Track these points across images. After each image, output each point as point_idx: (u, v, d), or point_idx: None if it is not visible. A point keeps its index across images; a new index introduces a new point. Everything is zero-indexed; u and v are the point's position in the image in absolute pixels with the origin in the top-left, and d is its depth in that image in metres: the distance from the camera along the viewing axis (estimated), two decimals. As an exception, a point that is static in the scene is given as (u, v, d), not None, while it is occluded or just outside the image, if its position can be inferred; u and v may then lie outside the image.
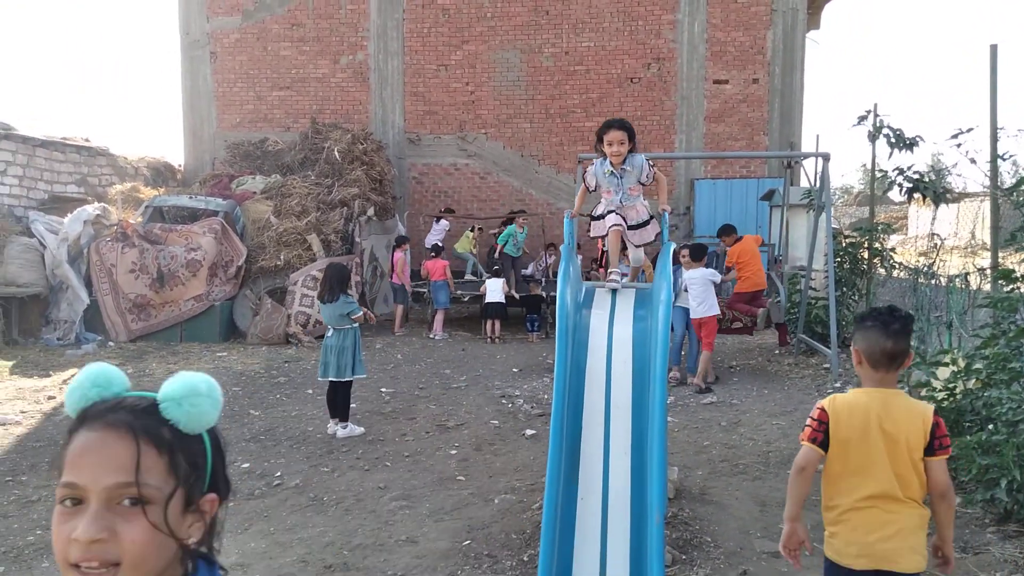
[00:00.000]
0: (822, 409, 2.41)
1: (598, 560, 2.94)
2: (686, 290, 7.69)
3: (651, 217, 4.54)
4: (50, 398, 7.23)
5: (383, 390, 7.63)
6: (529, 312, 11.19)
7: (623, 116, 14.64)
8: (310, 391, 7.59)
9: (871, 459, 2.33)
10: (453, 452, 5.59)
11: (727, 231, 9.02)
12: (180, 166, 15.55)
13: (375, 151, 13.69)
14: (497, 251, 13.19)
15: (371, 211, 12.35)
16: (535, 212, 14.63)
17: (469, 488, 4.84)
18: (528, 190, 15.19)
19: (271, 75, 15.33)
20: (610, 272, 4.30)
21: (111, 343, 10.00)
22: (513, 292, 11.30)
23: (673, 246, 4.30)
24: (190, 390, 1.06)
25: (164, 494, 0.99)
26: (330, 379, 6.04)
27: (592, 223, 4.56)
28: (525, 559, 3.78)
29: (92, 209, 10.84)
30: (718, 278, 7.89)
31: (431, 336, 10.93)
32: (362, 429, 6.13)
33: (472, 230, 14.03)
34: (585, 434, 3.30)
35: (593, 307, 3.98)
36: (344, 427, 6.04)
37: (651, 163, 4.45)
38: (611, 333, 3.72)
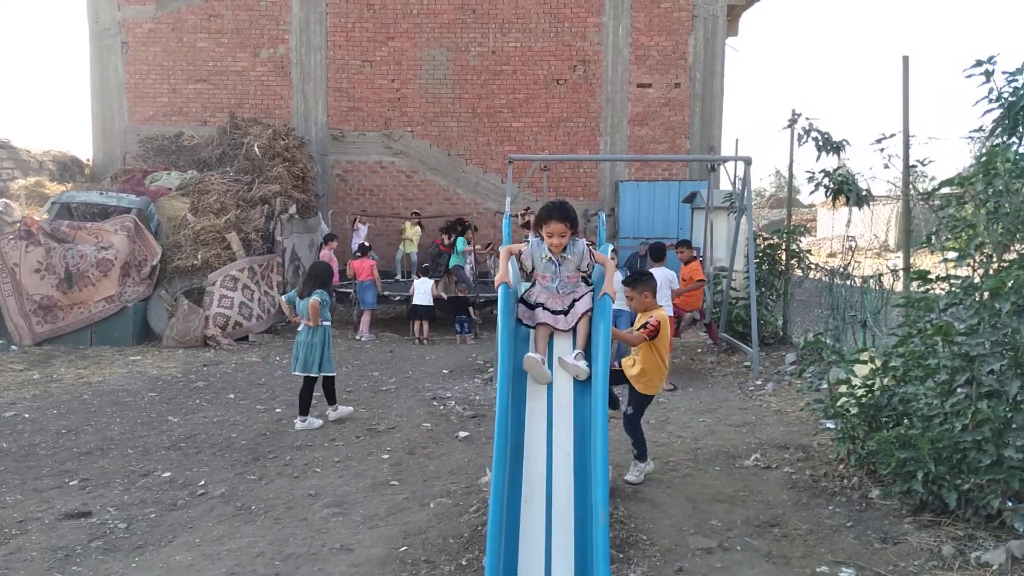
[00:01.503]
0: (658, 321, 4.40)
1: (543, 562, 2.92)
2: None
3: (587, 290, 4.09)
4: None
5: (310, 393, 7.42)
6: (458, 313, 11.12)
7: (549, 117, 14.93)
8: (231, 396, 7.33)
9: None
10: (385, 456, 5.49)
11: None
12: (88, 160, 14.80)
13: (297, 147, 13.36)
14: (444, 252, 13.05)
15: (293, 209, 12.04)
16: (462, 211, 14.57)
17: (403, 493, 4.75)
18: (455, 189, 15.12)
19: (187, 67, 14.76)
20: (530, 356, 3.79)
21: (14, 347, 9.40)
22: (441, 293, 11.22)
23: (611, 247, 4.32)
24: None
25: None
26: (306, 375, 6.24)
27: (520, 306, 4.07)
28: (464, 563, 3.73)
29: (-9, 204, 10.17)
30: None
31: (357, 337, 10.74)
32: (350, 409, 6.61)
33: (412, 221, 13.81)
34: (528, 436, 3.28)
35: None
36: (303, 420, 6.24)
37: (590, 246, 4.07)
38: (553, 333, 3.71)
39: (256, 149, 12.49)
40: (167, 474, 5.09)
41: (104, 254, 9.81)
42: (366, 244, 11.97)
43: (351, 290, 11.50)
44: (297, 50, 14.83)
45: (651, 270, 8.11)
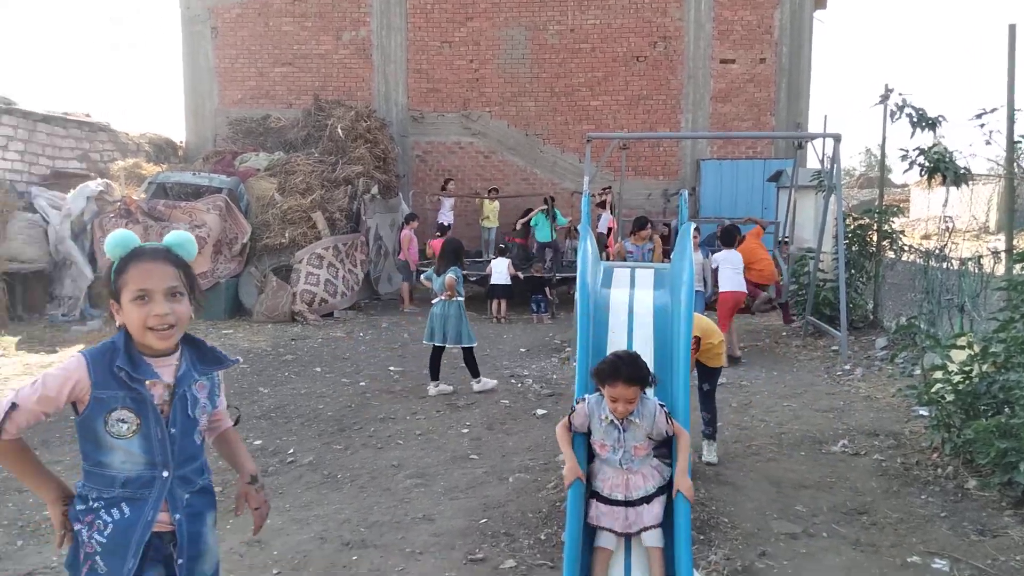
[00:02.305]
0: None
1: (624, 541, 2.92)
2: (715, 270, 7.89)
3: (663, 486, 2.94)
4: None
5: (391, 369, 7.61)
6: (534, 293, 11.15)
7: (628, 95, 14.71)
8: (318, 369, 7.57)
9: None
10: (465, 431, 5.58)
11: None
12: (182, 142, 15.43)
13: (378, 129, 13.60)
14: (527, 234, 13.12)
15: (375, 189, 12.28)
16: (539, 192, 14.56)
17: (483, 467, 4.83)
18: (533, 169, 15.10)
19: (273, 51, 15.18)
20: None
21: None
22: (518, 273, 11.26)
23: (693, 226, 4.24)
24: (183, 239, 1.97)
25: (187, 290, 1.92)
26: (434, 344, 6.59)
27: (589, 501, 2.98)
28: (542, 538, 3.78)
29: (95, 185, 10.75)
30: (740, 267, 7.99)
31: (436, 315, 10.90)
32: (495, 382, 6.80)
33: (489, 198, 13.89)
34: (608, 414, 3.27)
35: (612, 286, 3.95)
36: (478, 382, 6.69)
37: (666, 411, 2.94)
38: (631, 311, 3.69)
39: (339, 131, 12.77)
40: (258, 442, 5.31)
41: (197, 232, 10.24)
42: (445, 224, 12.12)
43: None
44: (378, 32, 15.04)
45: (721, 254, 8.01)
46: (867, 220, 9.20)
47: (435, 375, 6.67)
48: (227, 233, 10.51)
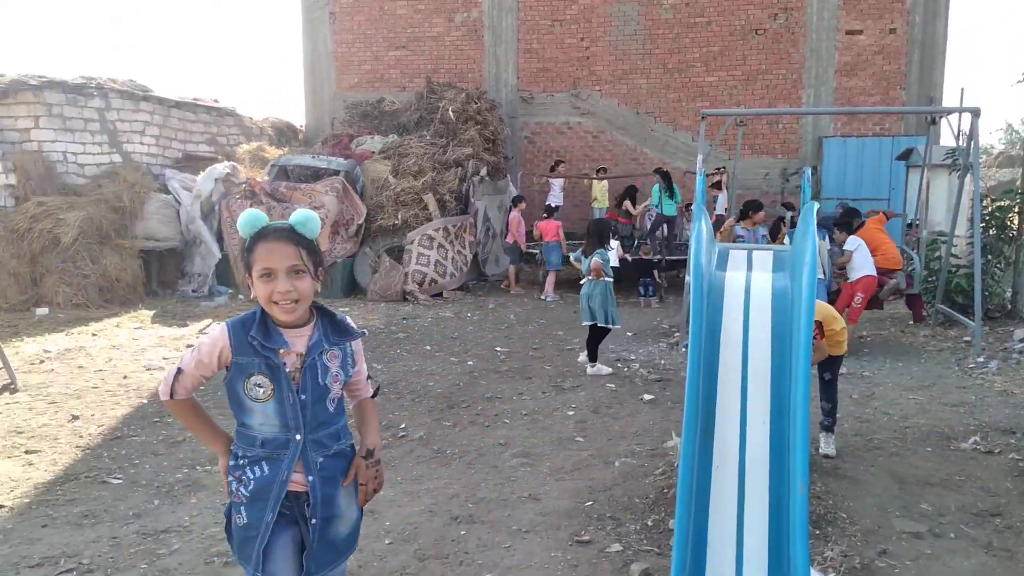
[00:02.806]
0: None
1: (734, 530, 2.84)
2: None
3: None
4: (188, 346, 7.68)
5: (498, 349, 7.70)
6: (642, 276, 10.98)
7: (746, 70, 14.16)
8: (428, 347, 7.75)
9: None
10: (571, 413, 5.58)
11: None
12: (301, 126, 16.07)
13: (488, 110, 13.69)
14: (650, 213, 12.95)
15: (484, 171, 12.39)
16: (649, 171, 14.28)
17: (588, 450, 4.82)
18: (643, 148, 14.83)
19: (387, 35, 15.52)
20: None
21: (241, 296, 10.54)
22: (627, 255, 11.10)
23: (816, 206, 4.02)
24: (305, 217, 2.04)
25: (310, 268, 2.01)
26: (588, 323, 6.69)
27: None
28: (649, 524, 3.73)
29: (222, 167, 11.36)
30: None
31: (542, 297, 10.93)
32: (609, 369, 6.71)
33: (598, 178, 13.78)
34: (720, 399, 3.19)
35: (728, 268, 3.82)
36: (592, 366, 6.68)
37: None
38: (748, 295, 3.56)
39: (450, 113, 12.95)
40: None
41: (316, 213, 10.65)
42: (553, 205, 12.10)
43: (537, 251, 11.70)
44: (489, 13, 15.09)
45: (851, 240, 7.60)
46: (1007, 202, 8.50)
47: (593, 356, 6.72)
48: (344, 214, 10.88)
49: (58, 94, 10.59)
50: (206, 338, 2.08)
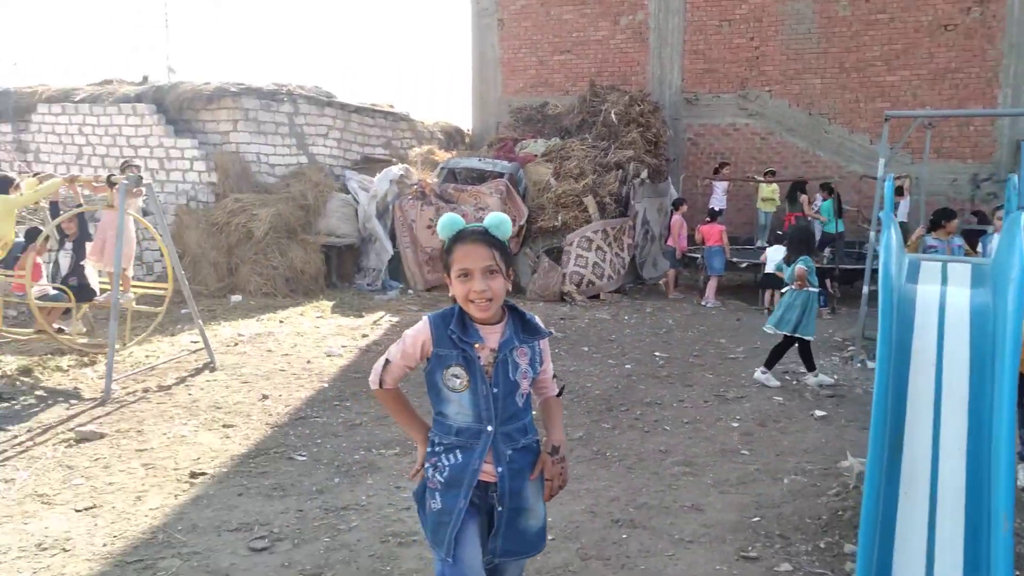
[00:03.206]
0: None
1: (923, 563, 2.67)
2: None
3: None
4: (364, 336, 8.20)
5: (656, 353, 7.61)
6: (812, 284, 10.42)
7: (932, 68, 13.11)
8: (585, 348, 7.79)
9: None
10: (735, 424, 5.43)
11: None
12: (468, 130, 16.62)
13: (651, 112, 13.53)
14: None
15: (645, 174, 12.27)
16: (821, 175, 13.58)
17: (755, 464, 4.67)
18: (815, 151, 14.10)
19: (553, 39, 15.72)
20: None
21: (411, 291, 11.08)
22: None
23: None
24: (498, 221, 2.16)
25: (503, 268, 2.12)
26: (785, 334, 6.50)
27: None
28: (822, 546, 3.57)
29: (397, 170, 11.99)
30: None
31: (703, 303, 10.68)
32: (777, 383, 6.45)
33: (765, 178, 13.29)
34: (910, 423, 2.99)
35: (920, 281, 3.58)
36: (764, 372, 6.52)
37: None
38: (943, 310, 3.32)
39: (613, 116, 12.93)
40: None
41: (481, 214, 11.00)
42: (717, 209, 11.78)
43: (698, 255, 11.44)
44: (656, 15, 14.92)
45: None
46: None
47: (770, 363, 6.54)
48: (507, 215, 11.14)
49: (253, 100, 11.60)
50: (410, 331, 2.24)
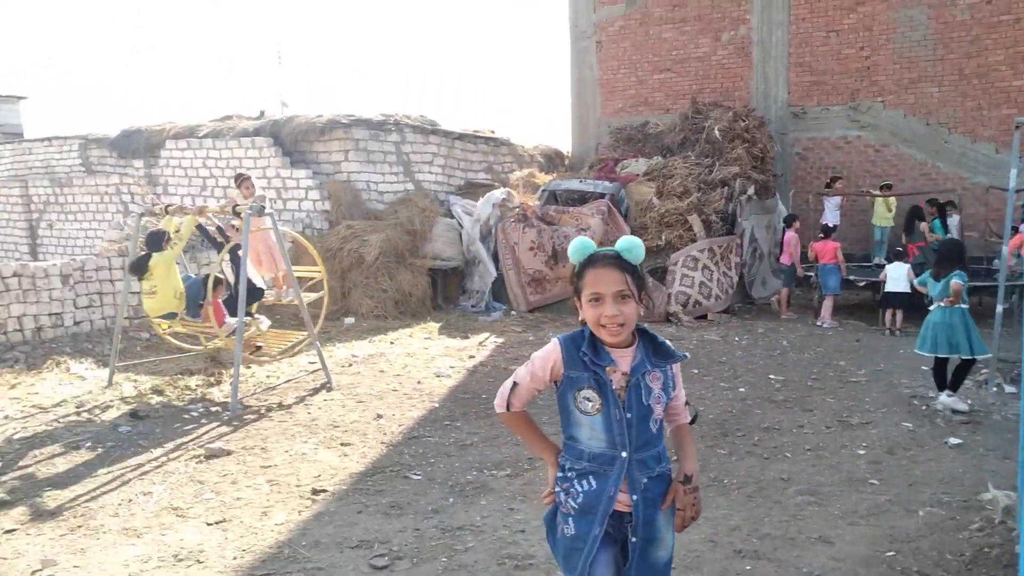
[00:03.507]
0: None
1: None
2: None
3: None
4: (470, 356, 8.30)
5: (771, 376, 7.34)
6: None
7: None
8: (695, 371, 7.60)
9: None
10: (861, 452, 5.15)
11: None
12: (567, 152, 16.69)
13: (756, 127, 13.20)
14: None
15: (751, 190, 11.95)
16: (943, 188, 12.85)
17: (885, 494, 4.41)
18: (934, 163, 13.36)
19: (652, 58, 15.61)
20: None
21: (514, 312, 11.16)
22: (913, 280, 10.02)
23: None
24: (631, 244, 2.14)
25: (635, 292, 2.09)
26: (936, 355, 6.20)
27: None
28: (967, 584, 3.32)
29: (499, 193, 12.15)
30: None
31: (818, 323, 10.24)
32: (964, 407, 6.03)
33: (881, 191, 12.69)
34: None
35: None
36: (949, 395, 6.13)
37: None
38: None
39: (716, 132, 12.69)
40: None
41: (583, 235, 10.99)
42: (830, 225, 11.33)
43: (812, 273, 11.00)
44: (758, 29, 14.59)
45: None
46: None
47: (941, 385, 6.24)
48: (608, 235, 11.09)
49: (363, 130, 12.05)
50: (540, 352, 2.21)
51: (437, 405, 6.46)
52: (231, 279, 7.53)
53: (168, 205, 7.27)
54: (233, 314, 6.95)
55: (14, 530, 4.06)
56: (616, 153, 14.04)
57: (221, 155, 12.75)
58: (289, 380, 7.31)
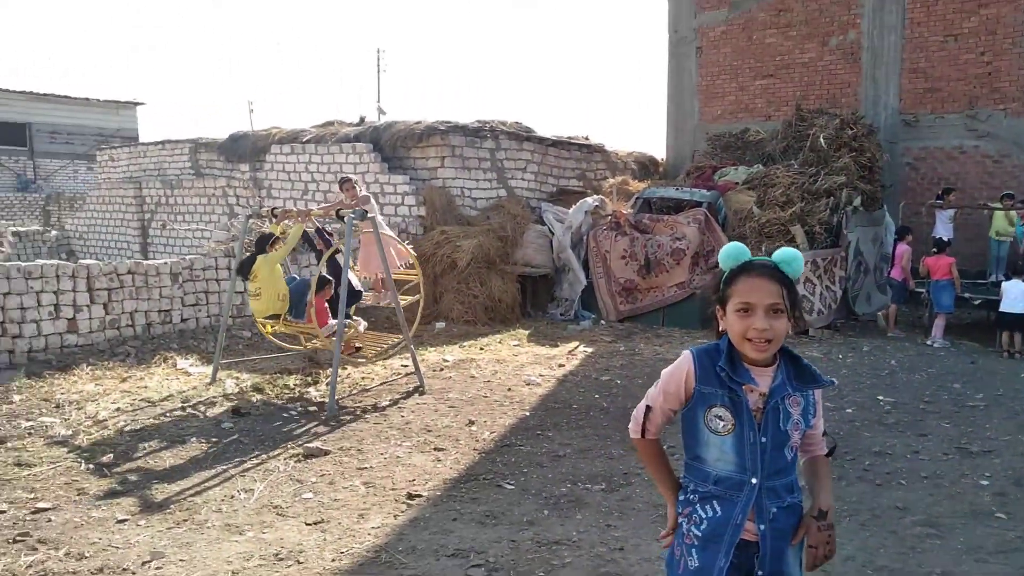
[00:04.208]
0: None
1: None
2: None
3: None
4: (560, 365, 8.21)
5: (880, 398, 6.95)
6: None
7: None
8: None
9: None
10: (984, 483, 4.79)
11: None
12: (662, 159, 16.40)
13: (865, 136, 12.59)
14: None
15: (858, 201, 11.42)
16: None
17: (1014, 530, 4.07)
18: (1062, 176, 12.43)
19: (754, 64, 15.16)
20: None
21: (603, 321, 11.01)
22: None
23: None
24: (790, 256, 1.97)
25: (788, 308, 1.93)
26: None
27: None
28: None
29: (592, 201, 12.03)
30: None
31: (928, 343, 9.66)
32: None
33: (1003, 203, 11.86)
34: None
35: None
36: None
37: None
38: None
39: (821, 140, 12.19)
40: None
41: (677, 244, 10.75)
42: (945, 239, 10.68)
43: (924, 290, 10.39)
44: (869, 33, 13.95)
45: None
46: None
47: None
48: (705, 245, 10.81)
49: (460, 137, 12.17)
50: (669, 368, 2.07)
51: (528, 413, 6.40)
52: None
53: (274, 208, 7.51)
54: (335, 316, 7.10)
55: (125, 520, 4.22)
56: (714, 161, 13.68)
57: (323, 160, 13.12)
58: (384, 383, 7.41)
